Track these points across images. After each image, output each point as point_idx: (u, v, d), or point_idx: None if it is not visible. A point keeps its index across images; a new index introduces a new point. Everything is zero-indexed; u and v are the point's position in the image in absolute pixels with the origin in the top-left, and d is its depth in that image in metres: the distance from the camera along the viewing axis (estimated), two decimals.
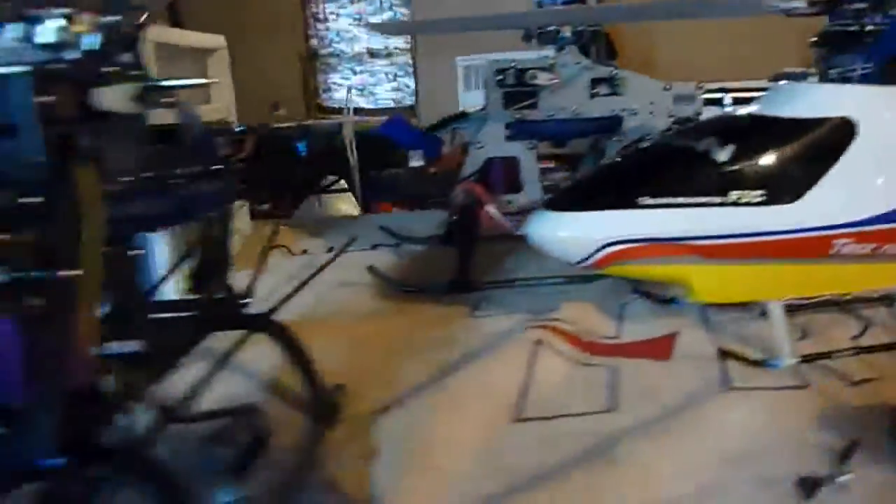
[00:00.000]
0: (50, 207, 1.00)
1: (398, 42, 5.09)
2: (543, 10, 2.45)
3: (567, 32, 2.54)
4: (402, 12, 4.92)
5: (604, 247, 1.74)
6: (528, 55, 2.74)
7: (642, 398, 1.64)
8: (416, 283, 2.49)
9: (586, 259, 1.76)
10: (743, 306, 2.02)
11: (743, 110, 1.91)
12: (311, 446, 1.41)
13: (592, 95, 2.55)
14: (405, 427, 1.55)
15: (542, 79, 2.49)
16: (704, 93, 2.59)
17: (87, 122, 1.08)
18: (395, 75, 5.34)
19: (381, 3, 5.17)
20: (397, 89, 5.23)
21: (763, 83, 2.80)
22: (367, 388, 1.72)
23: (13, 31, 1.14)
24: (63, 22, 1.15)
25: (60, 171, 1.02)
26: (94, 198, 1.03)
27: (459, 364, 1.83)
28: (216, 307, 1.49)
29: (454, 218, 2.48)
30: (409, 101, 5.11)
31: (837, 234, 1.75)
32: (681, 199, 1.72)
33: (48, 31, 1.13)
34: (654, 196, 1.72)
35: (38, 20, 1.15)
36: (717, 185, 1.72)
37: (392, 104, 5.20)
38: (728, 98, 2.63)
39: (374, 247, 2.91)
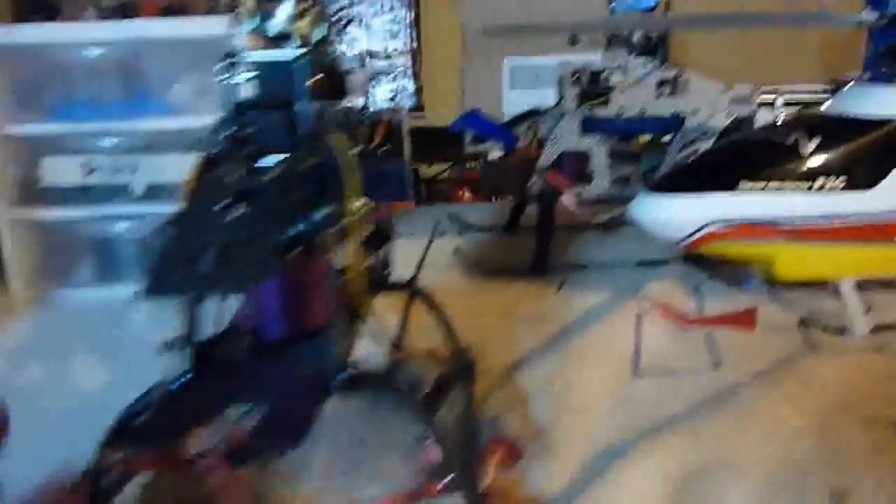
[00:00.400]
0: (319, 171, 1.20)
1: (397, 44, 5.31)
2: (624, 16, 2.68)
3: (636, 37, 2.78)
4: (401, 14, 5.16)
5: (703, 227, 1.98)
6: (579, 58, 2.96)
7: (742, 359, 1.86)
8: (497, 265, 2.70)
9: (687, 238, 2.00)
10: (807, 286, 2.26)
11: (821, 108, 2.15)
12: (469, 391, 1.60)
13: (658, 95, 2.78)
14: (542, 379, 1.76)
15: (616, 79, 2.72)
16: (760, 95, 2.84)
17: (335, 100, 1.29)
18: (394, 76, 5.56)
19: (381, 4, 5.39)
20: (394, 91, 5.46)
21: (805, 86, 3.08)
22: (487, 350, 1.90)
23: (251, 23, 1.34)
24: (292, 14, 1.34)
25: (322, 140, 1.22)
26: (352, 163, 1.23)
27: (570, 330, 2.05)
28: (377, 273, 1.70)
29: (536, 206, 2.70)
30: (406, 102, 5.32)
31: None
32: (771, 185, 1.96)
33: (284, 24, 1.32)
34: (748, 181, 1.96)
35: (270, 15, 1.34)
36: (802, 173, 1.96)
37: (389, 105, 5.42)
38: (780, 100, 2.88)
39: (441, 234, 3.10)
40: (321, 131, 1.24)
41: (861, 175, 1.98)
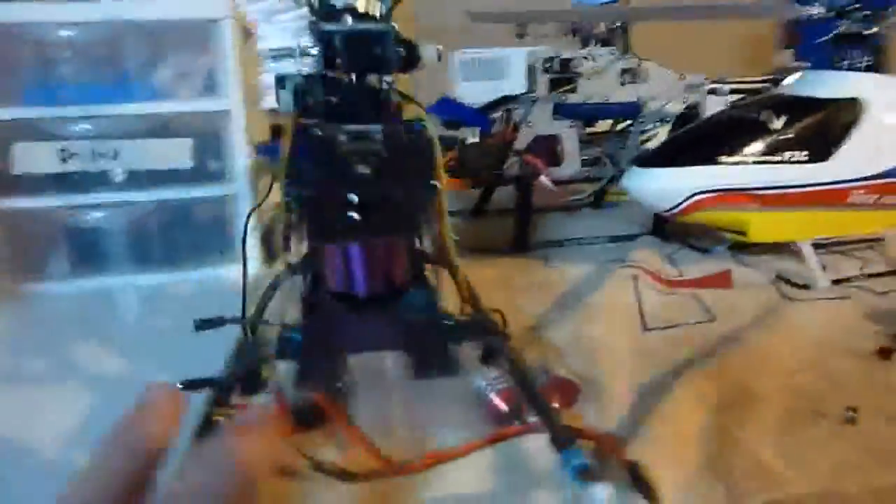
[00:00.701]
0: (417, 140, 1.27)
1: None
2: (593, 9, 2.88)
3: (600, 29, 2.98)
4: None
5: (689, 197, 2.19)
6: (544, 49, 3.14)
7: (731, 312, 2.08)
8: (478, 245, 2.82)
9: (675, 207, 2.20)
10: (768, 251, 2.53)
11: (780, 91, 2.42)
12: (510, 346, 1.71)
13: (621, 83, 3.00)
14: (563, 337, 1.89)
15: (585, 67, 2.91)
16: (709, 83, 3.11)
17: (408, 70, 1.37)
18: None
19: None
20: None
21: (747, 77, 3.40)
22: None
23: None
24: None
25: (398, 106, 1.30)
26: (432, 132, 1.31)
27: (570, 296, 2.20)
28: None
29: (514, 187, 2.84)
30: None
31: (854, 186, 2.29)
32: (746, 158, 2.20)
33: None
34: (727, 155, 2.19)
35: None
36: (771, 147, 2.21)
37: None
38: (724, 88, 3.17)
39: None
40: (401, 102, 1.32)
41: (818, 148, 2.25)
